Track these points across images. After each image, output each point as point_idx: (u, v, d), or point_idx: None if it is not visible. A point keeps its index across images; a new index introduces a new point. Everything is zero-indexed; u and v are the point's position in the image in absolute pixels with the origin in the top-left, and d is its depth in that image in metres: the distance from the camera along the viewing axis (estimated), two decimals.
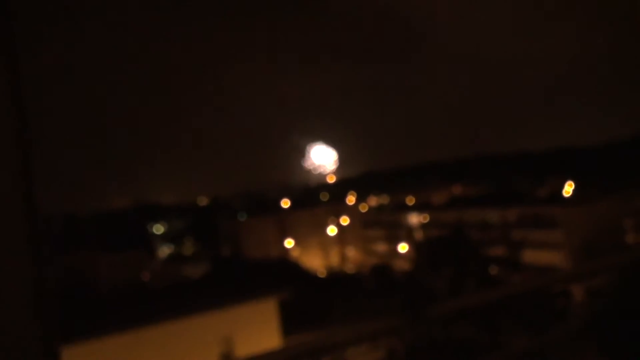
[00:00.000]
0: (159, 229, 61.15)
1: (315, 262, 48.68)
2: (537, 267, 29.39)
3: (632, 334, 3.66)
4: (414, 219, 50.12)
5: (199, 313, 12.99)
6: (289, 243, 52.16)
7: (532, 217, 38.40)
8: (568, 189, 46.70)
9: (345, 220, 54.68)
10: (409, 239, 46.67)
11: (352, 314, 18.42)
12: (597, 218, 35.20)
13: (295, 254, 50.94)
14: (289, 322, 14.60)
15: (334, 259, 52.18)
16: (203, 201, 68.41)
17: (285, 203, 56.81)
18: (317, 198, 60.37)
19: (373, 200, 64.15)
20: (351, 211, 56.64)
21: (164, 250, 57.44)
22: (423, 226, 47.74)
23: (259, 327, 13.28)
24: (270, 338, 13.09)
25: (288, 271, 32.35)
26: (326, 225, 53.77)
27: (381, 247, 51.99)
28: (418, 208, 52.36)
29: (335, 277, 38.14)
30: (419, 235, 46.36)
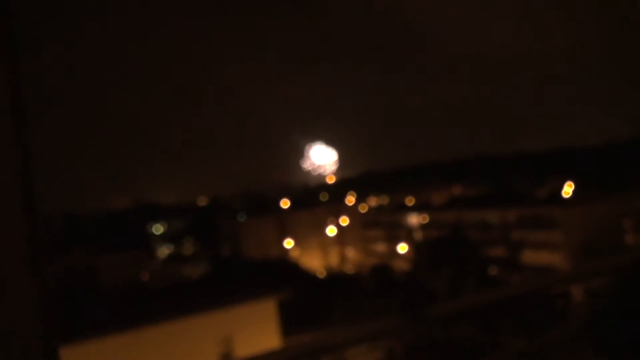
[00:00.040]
0: (158, 229, 61.14)
1: (314, 262, 48.69)
2: (537, 267, 29.42)
3: (632, 334, 3.66)
4: (414, 219, 50.14)
5: (198, 313, 13.00)
6: (288, 243, 52.17)
7: (531, 217, 38.41)
8: (568, 189, 46.71)
9: (344, 221, 54.70)
10: (408, 240, 46.70)
11: (351, 314, 18.44)
12: (596, 218, 35.23)
13: (294, 254, 50.96)
14: (289, 322, 14.62)
15: (334, 260, 52.19)
16: (203, 201, 68.41)
17: (285, 203, 56.83)
18: (317, 198, 60.37)
19: (373, 201, 64.16)
20: (351, 211, 56.66)
21: (164, 251, 57.42)
22: (423, 227, 47.76)
23: (258, 327, 13.28)
24: (270, 338, 13.09)
25: (288, 271, 32.36)
26: (326, 225, 53.79)
27: (381, 248, 52.01)
28: (418, 208, 52.38)
29: (335, 278, 38.17)
30: (418, 235, 46.38)
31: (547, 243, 35.75)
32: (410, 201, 58.87)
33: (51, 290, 1.14)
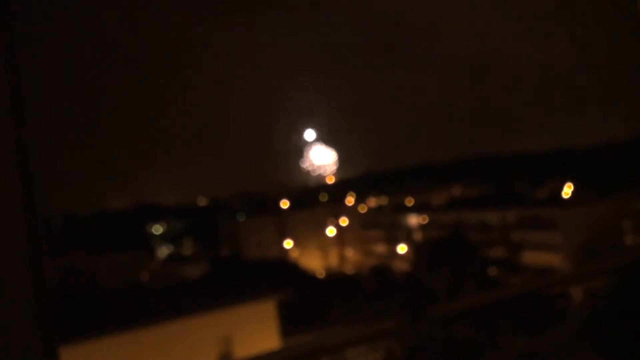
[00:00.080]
0: (158, 229, 61.13)
1: (314, 262, 48.68)
2: (537, 268, 29.41)
3: (631, 335, 3.66)
4: (413, 220, 50.14)
5: (198, 313, 13.00)
6: (288, 244, 52.16)
7: (531, 218, 38.42)
8: (567, 190, 46.73)
9: (344, 221, 54.70)
10: (408, 240, 46.70)
11: (351, 314, 18.42)
12: (596, 219, 35.24)
13: (294, 254, 50.95)
14: (288, 322, 14.62)
15: (333, 260, 52.19)
16: (202, 201, 68.40)
17: (285, 204, 56.83)
18: (316, 199, 60.35)
19: (372, 201, 64.16)
20: (350, 212, 56.66)
21: (163, 251, 57.41)
22: (422, 227, 47.76)
23: (258, 327, 13.28)
24: (270, 339, 13.09)
25: (287, 272, 32.35)
26: (325, 226, 53.78)
27: (380, 248, 52.01)
28: (417, 209, 52.38)
29: (335, 278, 38.18)
30: (418, 236, 46.39)
31: (546, 244, 35.75)
32: (409, 202, 58.89)
33: (51, 290, 1.14)
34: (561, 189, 47.18)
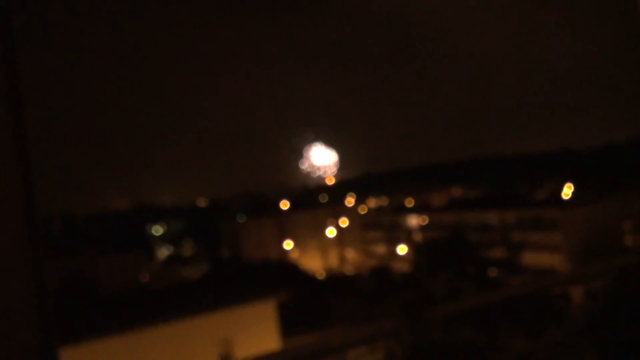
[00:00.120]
0: (158, 230, 61.11)
1: (314, 263, 48.65)
2: (536, 269, 29.40)
3: (630, 335, 3.66)
4: (413, 220, 50.12)
5: (198, 314, 12.99)
6: (288, 244, 52.13)
7: (531, 219, 38.41)
8: (567, 191, 46.71)
9: (344, 222, 54.66)
10: (408, 241, 46.68)
11: (351, 315, 18.42)
12: (596, 220, 35.24)
13: (294, 255, 50.92)
14: (288, 323, 14.60)
15: (333, 261, 52.15)
16: (202, 202, 68.41)
17: (285, 204, 56.80)
18: (316, 199, 60.34)
19: (372, 202, 64.15)
20: (350, 213, 56.62)
21: (163, 252, 57.39)
22: (422, 228, 47.74)
23: (258, 328, 13.27)
24: (270, 340, 13.08)
25: (287, 273, 32.33)
26: (325, 226, 53.74)
27: (380, 249, 51.98)
28: (417, 210, 52.36)
29: (334, 279, 38.12)
30: (418, 237, 46.36)
31: (546, 244, 35.74)
32: (409, 202, 58.87)
33: (51, 291, 1.14)
34: (561, 189, 47.18)
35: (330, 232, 53.76)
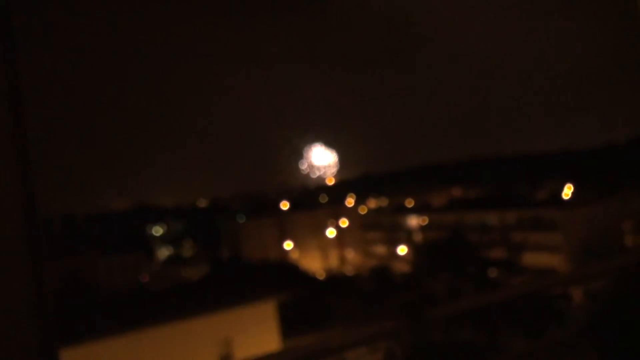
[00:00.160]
0: (158, 230, 61.12)
1: (314, 264, 48.64)
2: (536, 269, 29.38)
3: (630, 335, 3.66)
4: (413, 221, 50.11)
5: (198, 315, 12.98)
6: (288, 245, 52.13)
7: (531, 219, 38.40)
8: (567, 191, 46.72)
9: (344, 223, 54.66)
10: (408, 242, 46.66)
11: (351, 316, 18.42)
12: (596, 220, 35.23)
13: (294, 256, 50.91)
14: (289, 324, 14.59)
15: (333, 261, 52.15)
16: (202, 203, 68.43)
17: (285, 205, 56.81)
18: (316, 200, 60.35)
19: (372, 203, 64.15)
20: (350, 213, 56.63)
21: (163, 252, 57.38)
22: (422, 228, 47.72)
23: (258, 329, 13.26)
24: (270, 340, 13.08)
25: (287, 273, 32.32)
26: (325, 227, 53.75)
27: (380, 250, 51.97)
28: (417, 210, 52.34)
29: (335, 279, 38.11)
30: (418, 237, 46.34)
31: (546, 245, 35.73)
32: (409, 203, 58.86)
33: (50, 292, 1.13)
34: (561, 189, 47.17)
35: (330, 232, 53.76)
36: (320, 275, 42.39)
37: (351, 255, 53.57)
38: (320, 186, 58.49)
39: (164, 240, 59.45)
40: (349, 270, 48.12)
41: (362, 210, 59.45)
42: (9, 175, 1.09)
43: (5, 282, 1.07)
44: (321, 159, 44.33)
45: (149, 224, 60.05)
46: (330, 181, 55.19)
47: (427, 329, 4.18)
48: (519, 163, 63.12)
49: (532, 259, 31.40)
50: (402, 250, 46.42)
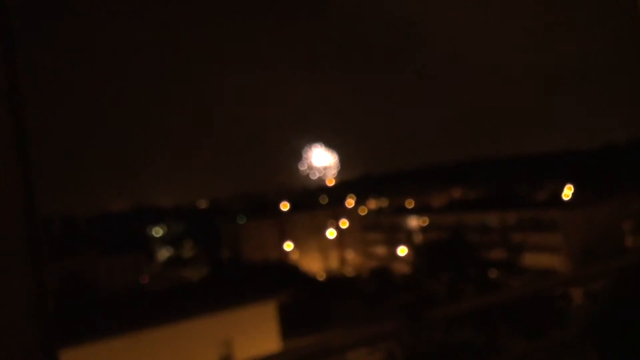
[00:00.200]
0: (158, 231, 61.12)
1: (314, 265, 48.64)
2: (537, 270, 29.37)
3: (631, 336, 3.65)
4: (414, 222, 50.10)
5: (198, 316, 12.98)
6: (288, 246, 52.12)
7: (531, 220, 38.38)
8: (567, 192, 46.70)
9: (344, 223, 54.66)
10: (408, 242, 46.62)
11: (351, 317, 18.41)
12: (596, 221, 35.21)
13: (294, 256, 50.91)
14: (289, 325, 14.59)
15: (333, 262, 52.14)
16: (202, 204, 68.44)
17: (285, 206, 56.81)
18: (317, 201, 60.38)
19: (372, 204, 64.16)
20: (350, 214, 56.63)
21: (163, 253, 57.38)
22: (422, 229, 47.70)
23: (258, 330, 13.26)
24: (270, 341, 13.07)
25: (287, 274, 32.30)
26: (325, 228, 53.74)
27: (380, 250, 51.95)
28: (417, 211, 52.34)
29: (335, 280, 38.10)
30: (418, 238, 46.32)
31: (547, 245, 35.71)
32: (409, 204, 58.86)
33: (50, 292, 1.13)
34: (561, 190, 47.16)
35: (331, 233, 53.75)
36: (321, 276, 42.38)
37: (351, 256, 53.55)
38: (320, 187, 58.54)
39: (164, 241, 59.46)
40: (349, 271, 48.12)
41: (362, 211, 59.46)
42: (9, 175, 1.09)
43: (5, 282, 1.07)
44: (321, 160, 44.38)
45: (149, 225, 60.07)
46: (331, 182, 55.24)
47: (427, 329, 4.18)
48: (519, 164, 63.13)
49: (532, 259, 31.39)
50: (402, 251, 46.39)
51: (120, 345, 11.89)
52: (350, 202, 59.31)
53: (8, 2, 1.14)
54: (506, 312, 4.82)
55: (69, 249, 40.40)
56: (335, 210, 55.71)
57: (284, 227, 52.88)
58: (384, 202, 64.53)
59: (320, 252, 51.82)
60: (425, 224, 48.00)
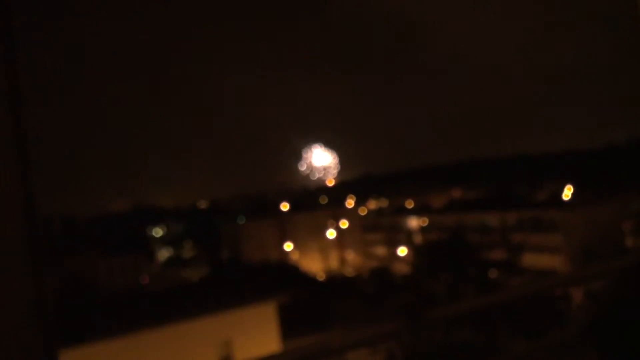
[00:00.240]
0: (158, 232, 61.12)
1: (314, 265, 48.63)
2: (537, 270, 29.38)
3: (631, 337, 3.65)
4: (414, 222, 50.11)
5: (198, 316, 12.98)
6: (288, 246, 52.12)
7: (531, 220, 38.38)
8: (567, 192, 46.70)
9: (344, 224, 54.67)
10: (408, 243, 46.64)
11: (351, 317, 18.41)
12: (596, 221, 35.20)
13: (294, 257, 50.91)
14: (289, 325, 14.58)
15: (334, 263, 52.14)
16: (202, 204, 68.44)
17: (285, 206, 56.81)
18: (317, 201, 60.38)
19: (372, 204, 64.17)
20: (350, 214, 56.64)
21: (163, 254, 57.38)
22: (422, 229, 47.71)
23: (258, 330, 13.26)
24: (270, 341, 13.07)
25: (287, 274, 32.30)
26: (325, 228, 53.75)
27: (380, 251, 51.95)
28: (417, 211, 52.34)
29: (335, 281, 38.10)
30: (418, 238, 46.33)
31: (547, 246, 35.71)
32: (409, 204, 58.87)
33: (50, 293, 1.13)
34: (561, 190, 47.16)
35: (331, 233, 53.76)
36: (321, 276, 42.37)
37: (351, 256, 53.56)
38: (320, 187, 58.53)
39: (164, 241, 59.46)
40: (349, 272, 48.12)
41: (362, 211, 59.46)
42: (9, 175, 1.09)
43: (5, 282, 1.07)
44: (321, 160, 44.36)
45: (149, 225, 60.07)
46: (330, 182, 55.20)
47: (427, 329, 4.17)
48: (519, 164, 63.13)
49: (532, 259, 31.39)
50: (402, 251, 46.40)
51: (120, 346, 11.89)
52: (350, 203, 59.32)
53: (8, 2, 1.14)
54: (506, 312, 4.81)
55: (69, 249, 40.38)
56: (335, 211, 55.71)
57: (284, 228, 52.88)
58: (384, 203, 64.54)
59: (320, 253, 51.82)
60: (425, 224, 48.01)
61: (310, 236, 52.23)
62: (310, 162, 43.93)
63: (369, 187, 66.65)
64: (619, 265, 5.17)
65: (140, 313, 13.94)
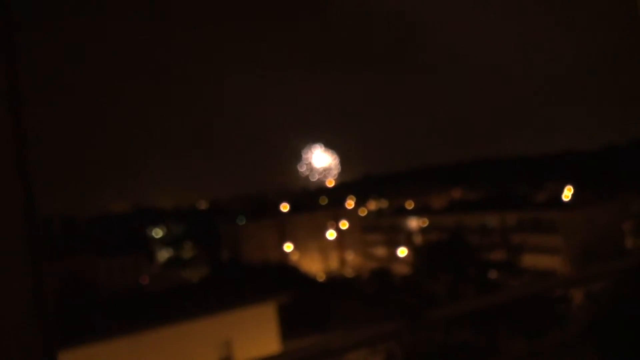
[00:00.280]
0: (158, 232, 61.11)
1: (314, 266, 48.62)
2: (537, 271, 29.36)
3: (631, 337, 3.65)
4: (414, 223, 50.09)
5: (198, 317, 12.97)
6: (288, 247, 52.11)
7: (531, 221, 38.37)
8: (567, 193, 46.69)
9: (344, 225, 54.66)
10: (408, 243, 46.63)
11: (351, 318, 18.39)
12: (596, 222, 35.19)
13: (294, 258, 50.89)
14: (289, 326, 14.57)
15: (333, 263, 52.13)
16: (202, 205, 68.43)
17: (285, 207, 56.81)
18: (317, 202, 60.38)
19: (372, 205, 64.15)
20: (350, 215, 56.63)
21: (163, 254, 57.37)
22: (422, 230, 47.70)
23: (258, 331, 13.25)
24: (270, 342, 13.06)
25: (287, 275, 32.30)
26: (325, 229, 53.75)
27: (380, 251, 51.94)
28: (417, 212, 52.34)
29: (335, 281, 38.09)
30: (418, 239, 46.32)
31: (547, 246, 35.69)
32: (409, 205, 58.86)
33: (50, 293, 1.13)
34: (561, 191, 47.14)
35: (331, 234, 53.74)
36: (320, 277, 42.36)
37: (351, 257, 53.54)
38: (320, 188, 58.56)
39: (164, 242, 59.46)
40: (349, 272, 48.10)
41: (362, 212, 59.45)
42: (9, 175, 1.09)
43: (5, 282, 1.07)
44: (321, 161, 44.37)
45: (149, 226, 60.07)
46: (330, 183, 55.25)
47: (427, 330, 4.18)
48: (519, 165, 63.12)
49: (532, 260, 31.38)
50: (402, 252, 46.38)
51: (120, 346, 11.88)
52: (350, 203, 59.31)
53: (8, 2, 1.14)
54: (506, 312, 4.81)
55: (69, 249, 40.36)
56: (335, 211, 55.71)
57: (284, 228, 52.88)
58: (383, 203, 64.53)
59: (320, 253, 51.81)
60: (425, 225, 48.00)
61: (310, 237, 52.22)
62: (311, 162, 43.96)
63: (369, 187, 66.64)
64: (618, 266, 5.17)
65: (140, 313, 13.94)
